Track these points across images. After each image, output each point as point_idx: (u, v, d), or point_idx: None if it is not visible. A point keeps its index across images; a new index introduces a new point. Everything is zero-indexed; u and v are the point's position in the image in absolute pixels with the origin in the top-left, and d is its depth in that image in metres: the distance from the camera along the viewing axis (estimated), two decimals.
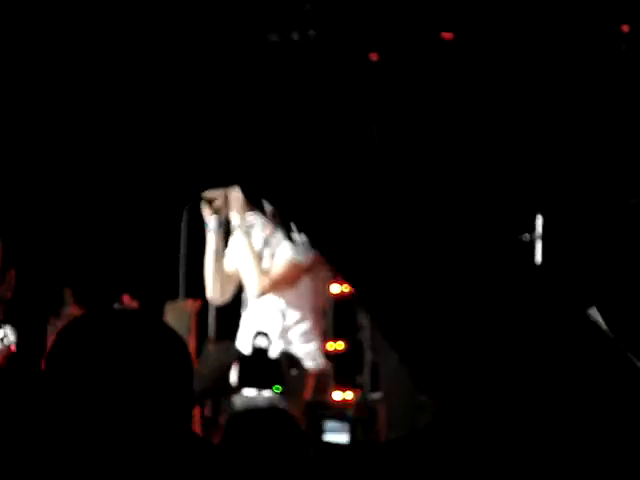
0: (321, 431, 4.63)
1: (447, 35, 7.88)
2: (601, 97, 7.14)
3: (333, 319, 6.31)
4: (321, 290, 4.92)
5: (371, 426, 5.23)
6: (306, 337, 4.81)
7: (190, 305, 4.17)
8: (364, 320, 7.22)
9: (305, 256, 4.77)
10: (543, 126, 7.25)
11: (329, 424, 4.67)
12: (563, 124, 7.21)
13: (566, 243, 7.00)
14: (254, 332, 4.63)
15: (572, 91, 7.29)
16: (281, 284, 4.79)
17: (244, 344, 4.84)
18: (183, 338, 1.83)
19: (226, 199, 4.80)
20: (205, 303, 4.88)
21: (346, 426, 4.62)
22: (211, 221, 4.81)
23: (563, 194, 7.05)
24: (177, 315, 4.00)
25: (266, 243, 4.88)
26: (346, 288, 7.23)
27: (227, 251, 4.90)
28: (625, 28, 7.51)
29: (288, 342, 4.79)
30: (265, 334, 3.99)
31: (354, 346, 7.11)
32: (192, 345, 4.06)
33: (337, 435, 4.64)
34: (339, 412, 4.72)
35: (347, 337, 7.12)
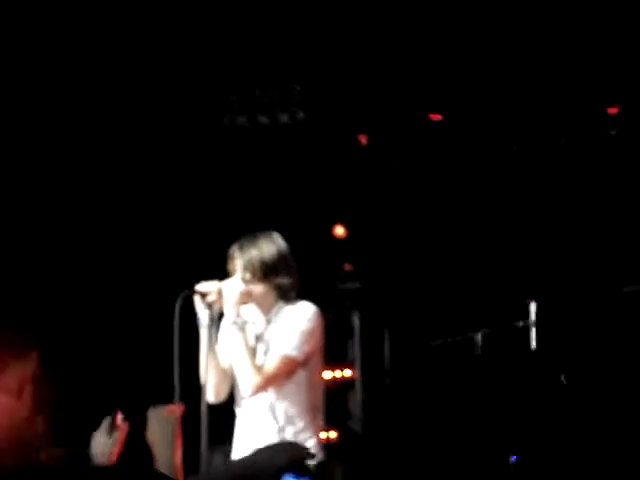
0: None
1: (436, 117, 7.93)
2: (592, 182, 7.14)
3: (324, 407, 6.20)
4: (317, 385, 4.81)
5: None
6: (304, 434, 4.69)
7: (173, 410, 4.04)
8: (356, 408, 7.15)
9: (300, 351, 4.68)
10: (534, 209, 7.24)
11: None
12: (555, 209, 7.20)
13: (560, 329, 6.96)
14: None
15: (562, 174, 7.29)
16: (276, 380, 4.68)
17: (239, 447, 4.72)
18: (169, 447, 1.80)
19: (220, 293, 4.71)
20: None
21: None
22: (204, 316, 4.70)
23: (556, 280, 7.02)
24: (161, 422, 3.87)
25: (259, 339, 4.78)
26: (338, 374, 7.17)
27: (219, 346, 4.79)
28: (613, 110, 7.56)
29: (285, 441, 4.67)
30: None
31: (347, 435, 7.00)
32: (178, 452, 3.94)
33: None
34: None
35: (339, 426, 7.02)
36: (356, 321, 6.95)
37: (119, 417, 5.67)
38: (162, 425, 3.73)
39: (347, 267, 7.25)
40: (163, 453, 3.17)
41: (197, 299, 4.71)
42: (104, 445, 4.75)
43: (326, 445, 4.93)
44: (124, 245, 6.91)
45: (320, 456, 4.68)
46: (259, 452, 4.63)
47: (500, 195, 7.26)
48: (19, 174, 6.80)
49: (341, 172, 7.37)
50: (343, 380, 7.08)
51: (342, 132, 7.58)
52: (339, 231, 7.30)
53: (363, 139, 7.83)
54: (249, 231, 5.08)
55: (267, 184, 7.15)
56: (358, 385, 7.07)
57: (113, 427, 5.11)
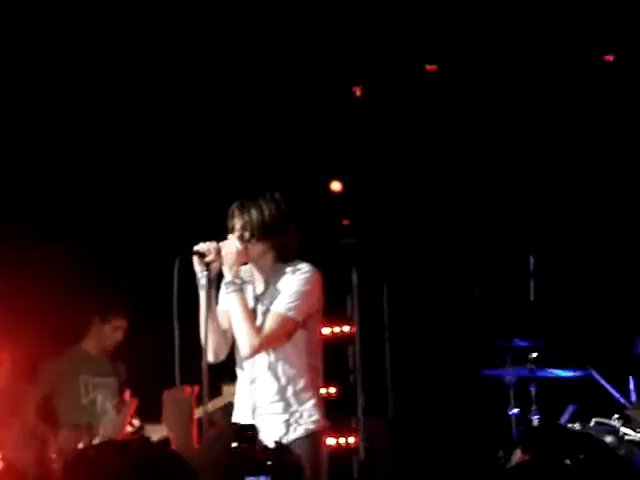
0: None
1: (431, 67, 7.84)
2: (589, 134, 7.09)
3: (324, 363, 6.19)
4: (316, 345, 4.78)
5: None
6: (305, 394, 4.67)
7: (188, 392, 4.02)
8: (356, 363, 7.15)
9: (298, 311, 4.65)
10: (532, 161, 7.19)
11: None
12: (552, 161, 7.15)
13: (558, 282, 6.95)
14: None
15: (559, 126, 7.23)
16: (274, 341, 4.65)
17: (241, 409, 4.71)
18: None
19: (218, 253, 4.67)
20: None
21: None
22: (202, 277, 4.66)
23: (554, 236, 7.00)
24: (177, 404, 3.84)
25: (258, 299, 4.75)
26: (337, 329, 7.16)
27: (218, 308, 4.75)
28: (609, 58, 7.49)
29: (287, 401, 4.65)
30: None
31: (346, 390, 7.01)
32: (194, 434, 3.92)
33: None
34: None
35: (339, 381, 7.03)
36: (354, 276, 6.93)
37: (127, 393, 5.65)
38: (178, 407, 3.71)
39: (345, 222, 7.21)
40: (179, 436, 3.16)
41: (195, 260, 4.67)
42: (113, 421, 4.75)
43: (326, 402, 4.91)
44: (121, 208, 6.87)
45: (315, 417, 4.64)
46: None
47: (498, 147, 7.21)
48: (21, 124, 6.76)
49: (336, 126, 7.30)
50: (342, 335, 7.07)
51: (336, 85, 7.50)
52: (335, 186, 7.25)
53: (357, 91, 7.76)
54: (246, 190, 5.03)
55: (262, 141, 7.08)
56: (357, 340, 7.06)
57: (122, 402, 5.09)
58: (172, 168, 6.97)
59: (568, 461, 2.60)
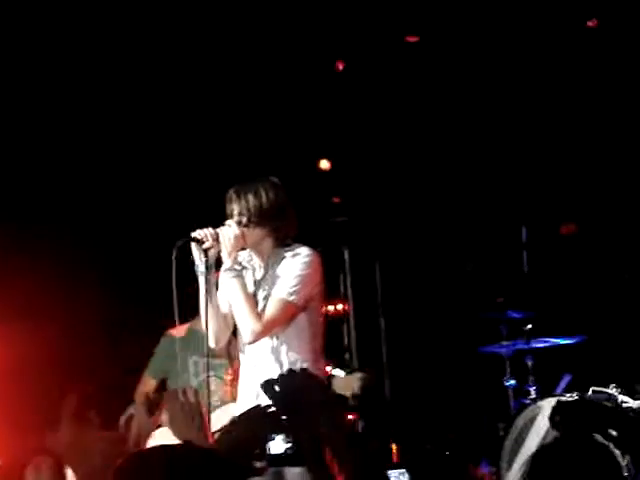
0: None
1: (412, 38, 7.79)
2: (582, 101, 7.06)
3: None
4: (318, 328, 4.76)
5: None
6: None
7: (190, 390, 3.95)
8: (351, 341, 7.14)
9: (299, 295, 4.62)
10: (521, 130, 7.15)
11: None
12: (543, 130, 7.12)
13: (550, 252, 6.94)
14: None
15: (547, 91, 7.20)
16: (276, 326, 4.62)
17: (245, 394, 4.68)
18: None
19: (216, 239, 4.62)
20: None
21: None
22: (200, 264, 4.62)
23: (548, 205, 6.98)
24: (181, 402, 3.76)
25: (258, 284, 4.71)
26: (330, 308, 7.14)
27: (218, 293, 4.71)
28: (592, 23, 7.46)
29: None
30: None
31: (342, 368, 6.99)
32: (207, 431, 3.89)
33: None
34: None
35: (334, 359, 7.01)
36: (346, 254, 6.90)
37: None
38: (183, 406, 3.63)
39: (335, 200, 7.18)
40: (187, 435, 3.10)
41: (193, 246, 4.63)
42: (145, 425, 4.66)
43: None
44: (117, 196, 6.80)
45: None
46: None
47: (486, 118, 7.17)
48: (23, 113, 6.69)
49: (321, 103, 7.24)
50: (336, 313, 7.06)
51: (319, 60, 7.44)
52: (324, 164, 7.20)
53: (340, 65, 7.70)
54: (237, 172, 4.98)
55: (249, 122, 7.02)
56: (351, 318, 7.05)
57: (154, 406, 5.00)
58: (165, 157, 6.90)
59: (599, 437, 2.58)
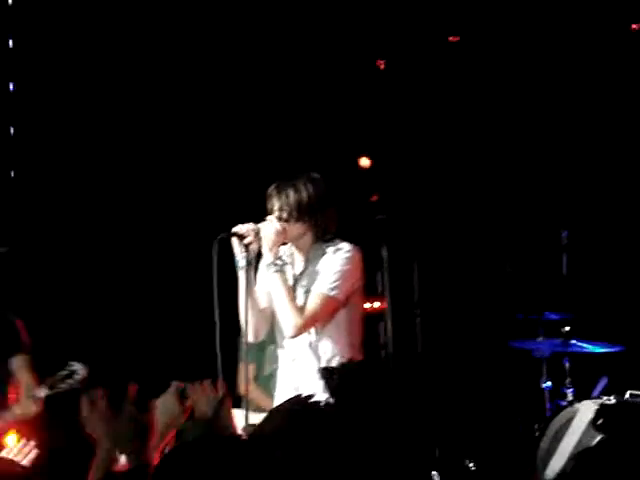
0: None
1: (454, 38, 7.77)
2: (623, 106, 7.01)
3: None
4: (357, 324, 4.78)
5: None
6: None
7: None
8: (388, 339, 7.13)
9: (340, 291, 4.64)
10: (562, 131, 7.12)
11: None
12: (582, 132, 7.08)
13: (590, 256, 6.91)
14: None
15: (587, 98, 7.16)
16: (317, 321, 4.65)
17: (283, 388, 4.71)
18: None
19: (257, 235, 4.65)
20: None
21: None
22: (241, 259, 4.65)
23: (587, 208, 6.94)
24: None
25: (298, 279, 4.74)
26: (367, 305, 7.15)
27: (257, 288, 4.74)
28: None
29: None
30: None
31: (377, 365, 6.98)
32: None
33: None
34: None
35: (370, 356, 7.01)
36: (385, 252, 6.90)
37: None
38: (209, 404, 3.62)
39: (374, 199, 7.18)
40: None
41: (234, 241, 4.66)
42: (173, 412, 4.65)
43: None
44: (160, 190, 6.86)
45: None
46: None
47: (529, 118, 7.14)
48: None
49: (362, 102, 7.24)
50: (373, 311, 7.06)
51: (361, 57, 7.44)
52: (364, 162, 7.21)
53: (382, 65, 7.70)
54: (278, 169, 5.01)
55: (289, 120, 7.04)
56: (388, 316, 7.04)
57: (184, 394, 5.00)
58: (209, 154, 6.95)
59: None
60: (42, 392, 5.32)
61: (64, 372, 5.33)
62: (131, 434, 3.15)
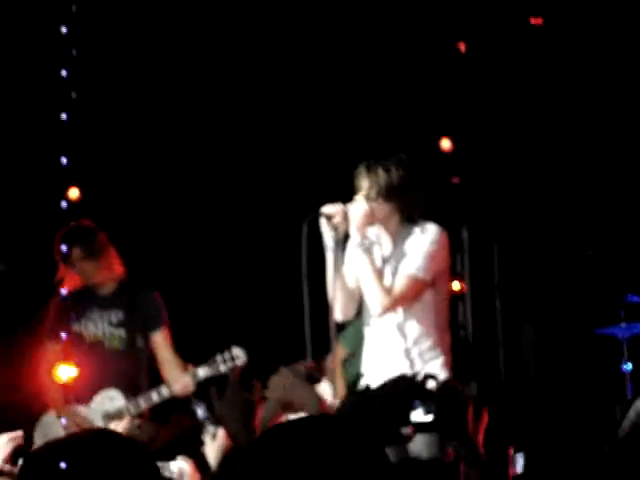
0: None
1: (536, 20, 7.74)
2: None
3: None
4: (444, 305, 4.84)
5: None
6: (430, 354, 4.73)
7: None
8: (467, 320, 7.17)
9: (427, 271, 4.69)
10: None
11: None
12: None
13: None
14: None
15: None
16: (404, 301, 4.71)
17: (368, 365, 4.78)
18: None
19: (345, 216, 4.72)
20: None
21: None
22: (329, 239, 4.72)
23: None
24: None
25: (387, 260, 4.80)
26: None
27: (345, 268, 4.81)
28: None
29: (412, 360, 4.71)
30: None
31: (458, 343, 7.04)
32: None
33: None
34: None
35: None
36: (465, 234, 6.93)
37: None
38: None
39: (455, 180, 7.21)
40: (238, 429, 3.15)
41: (323, 222, 4.73)
42: (305, 393, 4.72)
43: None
44: (249, 171, 6.97)
45: (442, 376, 4.69)
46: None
47: (611, 102, 7.09)
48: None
49: (443, 84, 7.26)
50: (453, 292, 7.09)
51: (442, 40, 7.45)
52: (445, 144, 7.23)
53: (462, 47, 7.69)
54: (361, 151, 5.06)
55: (372, 102, 7.09)
56: (468, 298, 7.08)
57: (315, 374, 5.06)
58: (300, 134, 7.04)
59: None
60: (203, 372, 5.38)
61: (225, 355, 5.37)
62: (238, 414, 3.23)
